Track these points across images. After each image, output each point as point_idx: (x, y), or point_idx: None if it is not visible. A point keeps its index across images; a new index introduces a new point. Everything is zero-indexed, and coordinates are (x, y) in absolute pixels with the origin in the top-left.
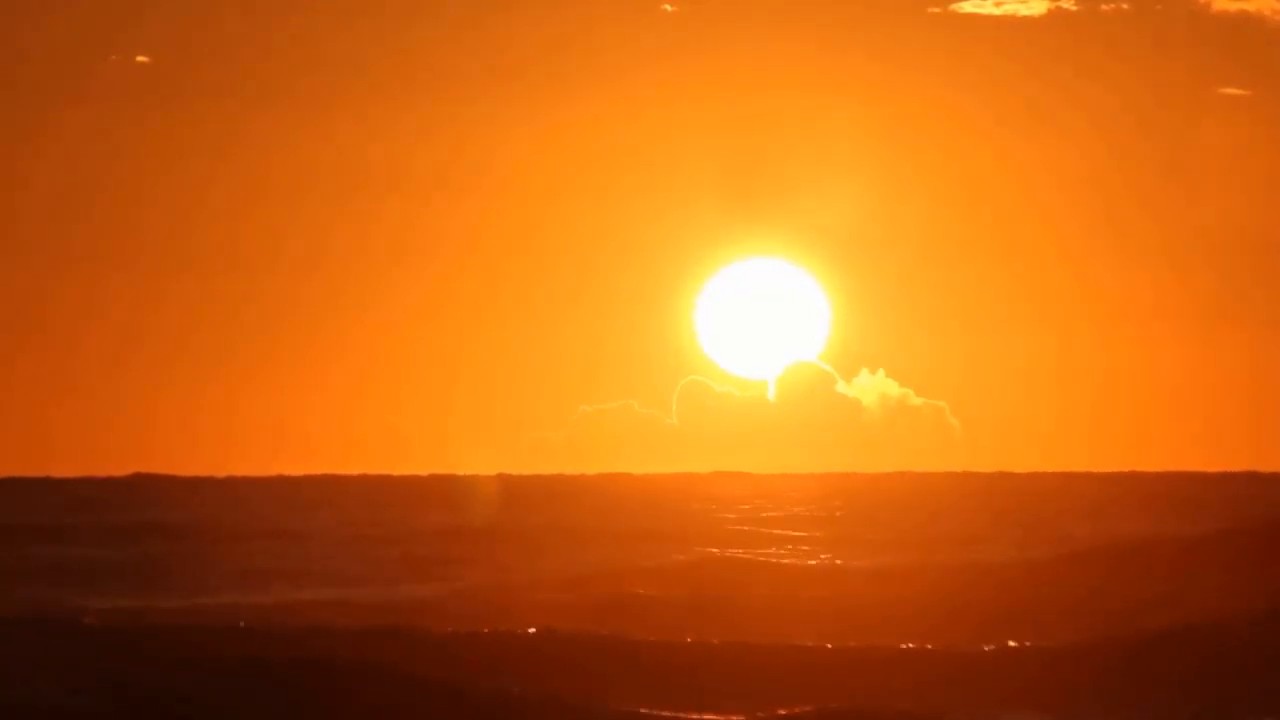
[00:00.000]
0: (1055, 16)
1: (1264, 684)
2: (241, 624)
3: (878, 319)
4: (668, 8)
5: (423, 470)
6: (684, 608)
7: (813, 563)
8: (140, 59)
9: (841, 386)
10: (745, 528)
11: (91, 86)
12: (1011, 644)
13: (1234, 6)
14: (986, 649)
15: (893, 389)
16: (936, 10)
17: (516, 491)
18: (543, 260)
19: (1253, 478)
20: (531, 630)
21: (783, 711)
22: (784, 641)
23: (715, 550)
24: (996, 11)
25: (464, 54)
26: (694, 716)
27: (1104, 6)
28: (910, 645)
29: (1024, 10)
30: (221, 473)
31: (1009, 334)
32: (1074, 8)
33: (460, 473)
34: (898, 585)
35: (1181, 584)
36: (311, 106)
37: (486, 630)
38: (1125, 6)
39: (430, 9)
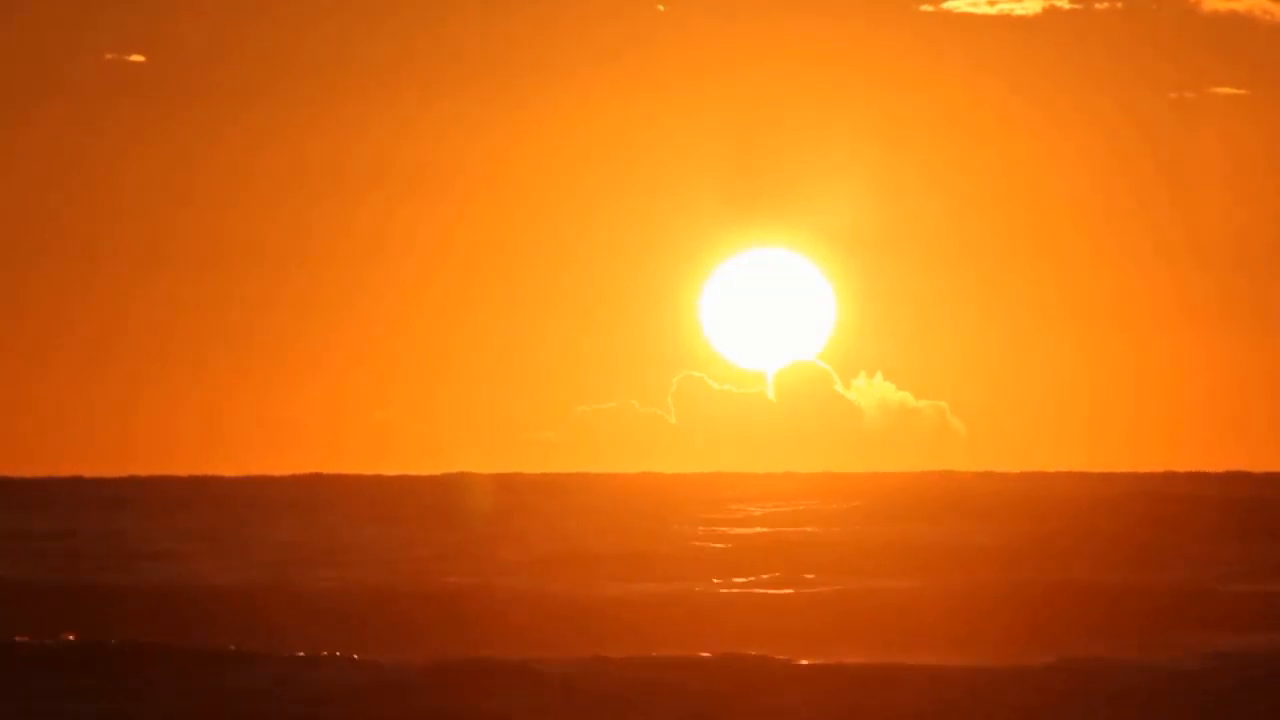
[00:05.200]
0: (1051, 16)
1: None
2: None
3: (877, 320)
4: (661, 8)
5: (419, 470)
6: None
7: None
8: (134, 58)
9: (840, 388)
10: None
11: (85, 85)
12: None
13: (1225, 6)
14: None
15: (891, 392)
16: (929, 9)
17: (514, 491)
18: (541, 257)
19: (1245, 478)
20: None
21: None
22: None
23: None
24: (991, 11)
25: (460, 52)
26: None
27: (1099, 5)
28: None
29: (1019, 10)
30: (213, 473)
31: (1009, 334)
32: (1069, 6)
33: (457, 472)
34: None
35: None
36: (310, 104)
37: None
38: (1120, 5)
39: (428, 10)
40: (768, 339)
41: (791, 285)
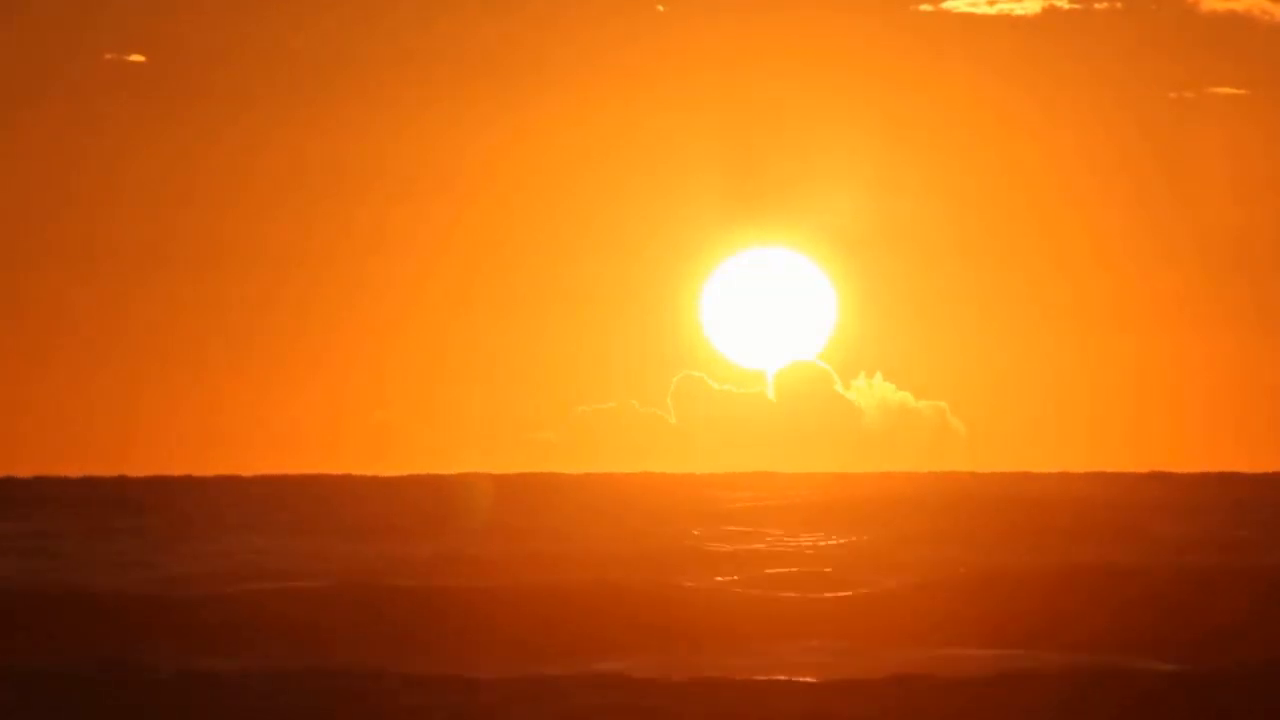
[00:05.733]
0: (1050, 15)
1: None
2: None
3: (877, 320)
4: (660, 8)
5: (419, 471)
6: None
7: None
8: (134, 58)
9: (840, 388)
10: None
11: (85, 85)
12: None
13: (1224, 6)
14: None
15: (891, 392)
16: (929, 9)
17: (514, 491)
18: (541, 257)
19: (1240, 479)
20: None
21: None
22: None
23: None
24: (990, 11)
25: (461, 52)
26: None
27: (1099, 5)
28: None
29: (1019, 10)
30: (213, 473)
31: (1009, 334)
32: (1069, 6)
33: (456, 472)
34: None
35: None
36: (309, 104)
37: None
38: (1120, 5)
39: (429, 10)
40: (768, 339)
41: (792, 285)
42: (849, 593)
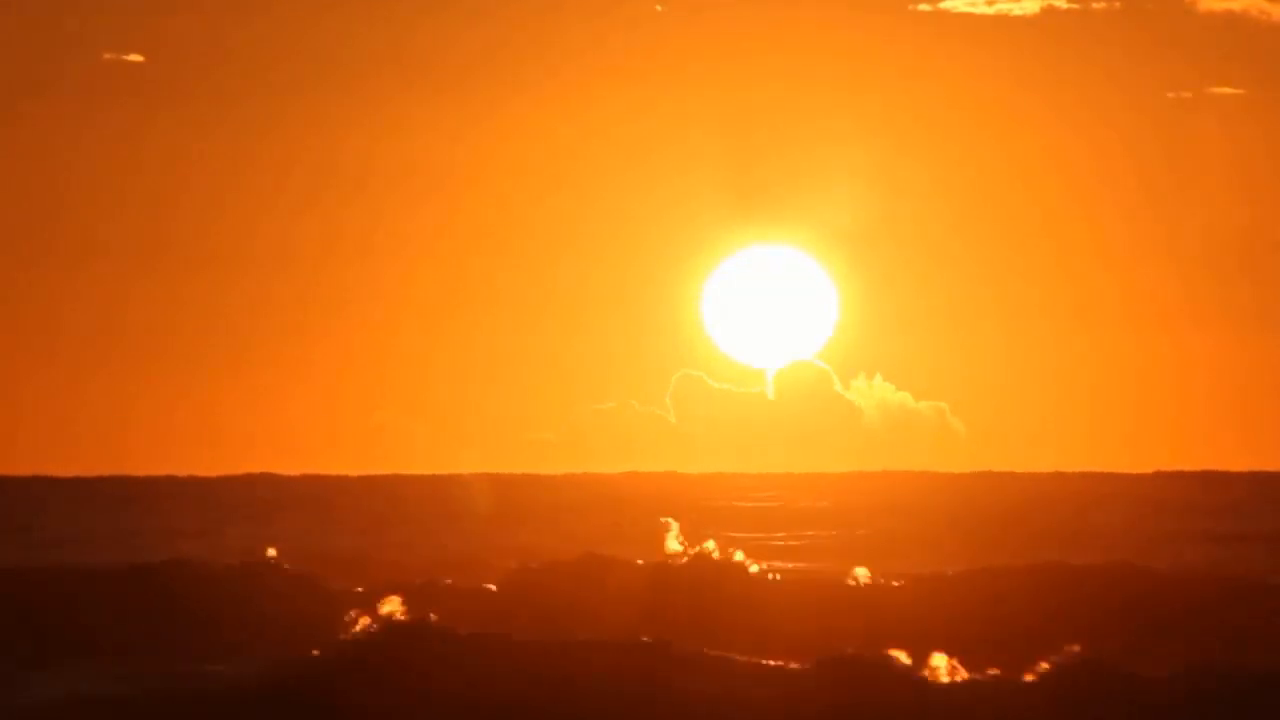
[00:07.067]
0: (1049, 15)
1: None
2: None
3: (877, 320)
4: (658, 8)
5: (419, 470)
6: None
7: None
8: (133, 58)
9: (840, 389)
10: None
11: (84, 84)
12: None
13: (1222, 6)
14: None
15: (890, 392)
16: (927, 8)
17: (517, 491)
18: (541, 257)
19: (1234, 477)
20: None
21: None
22: None
23: None
24: (989, 11)
25: (460, 52)
26: None
27: (1097, 5)
28: None
29: (1017, 10)
30: (212, 473)
31: (1009, 334)
32: (1066, 6)
33: (456, 472)
34: None
35: None
36: (309, 105)
37: None
38: (1118, 5)
39: (429, 11)
40: (768, 338)
41: (792, 284)
42: None
